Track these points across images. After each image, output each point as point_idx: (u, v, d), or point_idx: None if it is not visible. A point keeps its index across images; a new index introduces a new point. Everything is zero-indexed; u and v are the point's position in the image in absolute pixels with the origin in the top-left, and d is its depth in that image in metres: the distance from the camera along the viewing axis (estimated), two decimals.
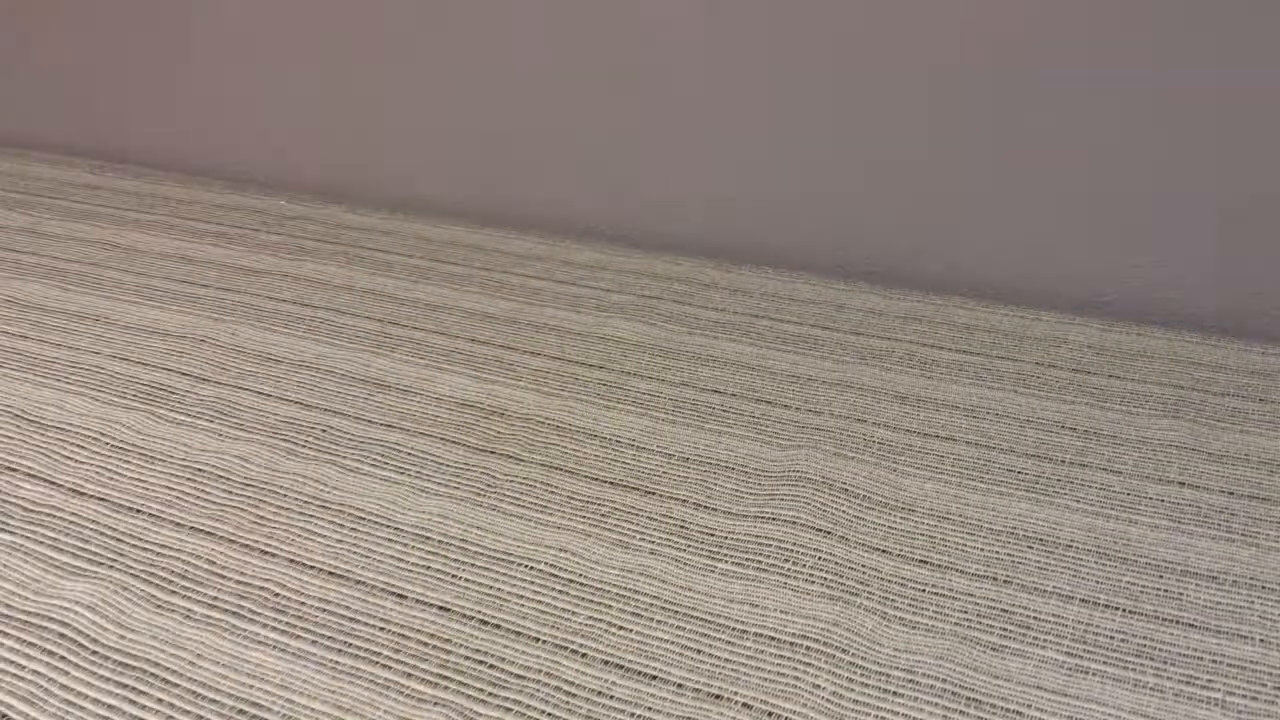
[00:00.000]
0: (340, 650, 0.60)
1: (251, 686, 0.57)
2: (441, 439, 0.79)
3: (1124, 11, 0.93)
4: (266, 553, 0.67)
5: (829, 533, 0.69)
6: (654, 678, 0.58)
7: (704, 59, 1.10)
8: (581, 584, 0.65)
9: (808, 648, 0.59)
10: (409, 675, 0.58)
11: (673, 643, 0.60)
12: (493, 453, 0.78)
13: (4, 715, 0.55)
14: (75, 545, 0.68)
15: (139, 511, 0.71)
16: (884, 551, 0.67)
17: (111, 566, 0.66)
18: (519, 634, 0.61)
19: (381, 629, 0.61)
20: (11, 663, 0.59)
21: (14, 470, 0.76)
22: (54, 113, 1.52)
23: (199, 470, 0.76)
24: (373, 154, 1.32)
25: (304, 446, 0.78)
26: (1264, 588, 0.64)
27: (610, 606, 0.63)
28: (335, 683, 0.57)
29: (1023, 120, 1.00)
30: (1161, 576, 0.65)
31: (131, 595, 0.63)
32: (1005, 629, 0.61)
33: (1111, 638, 0.60)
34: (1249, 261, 0.98)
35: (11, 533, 0.69)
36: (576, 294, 1.03)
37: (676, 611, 0.62)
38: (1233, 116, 0.94)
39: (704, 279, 1.07)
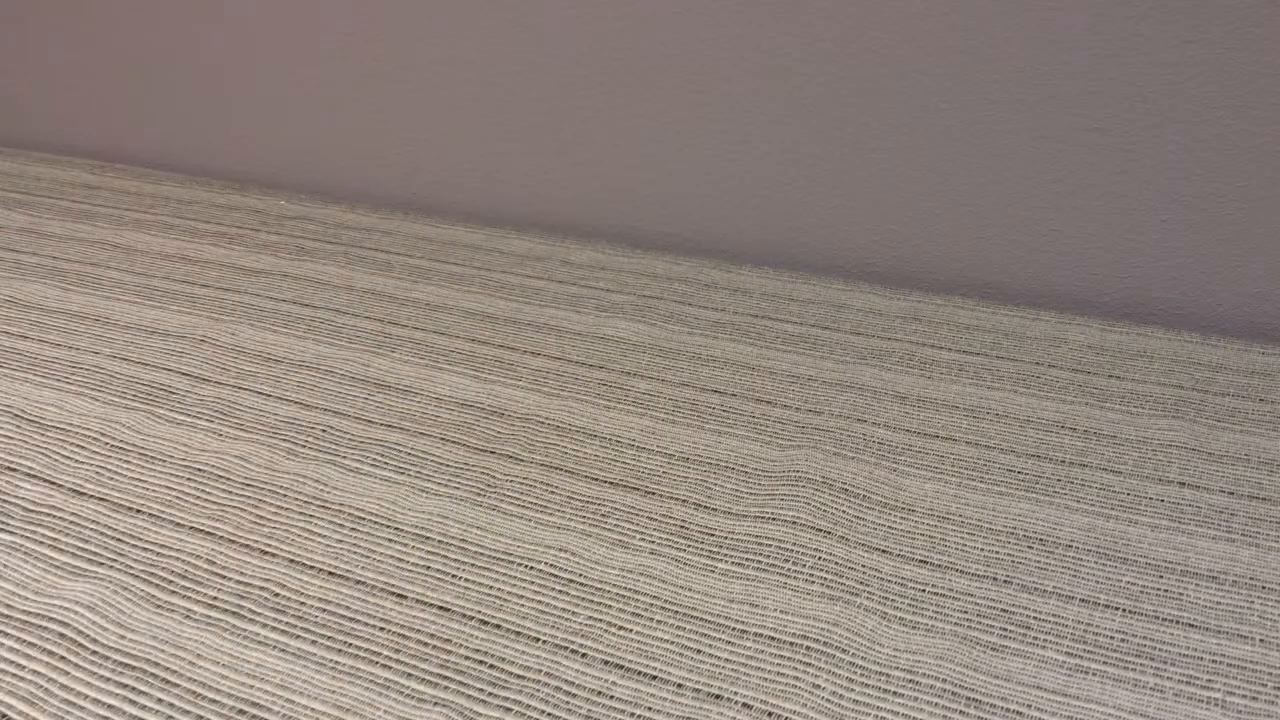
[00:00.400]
0: (340, 650, 0.60)
1: (251, 686, 0.57)
2: (441, 439, 0.79)
3: (1124, 11, 0.93)
4: (266, 553, 0.67)
5: (829, 533, 0.69)
6: (654, 678, 0.58)
7: (704, 59, 1.10)
8: (581, 584, 0.64)
9: (808, 648, 0.59)
10: (409, 675, 0.58)
11: (673, 643, 0.60)
12: (493, 453, 0.78)
13: (4, 715, 0.55)
14: (75, 545, 0.68)
15: (139, 511, 0.71)
16: (884, 551, 0.67)
17: (111, 566, 0.66)
18: (519, 634, 0.61)
19: (381, 629, 0.61)
20: (11, 663, 0.59)
21: (14, 470, 0.76)
22: (54, 113, 1.52)
23: (199, 470, 0.76)
24: (373, 154, 1.32)
25: (304, 446, 0.78)
26: (1264, 588, 0.64)
27: (610, 606, 0.63)
28: (335, 683, 0.57)
29: (1023, 120, 1.00)
30: (1161, 576, 0.65)
31: (131, 595, 0.63)
32: (1005, 629, 0.61)
33: (1111, 638, 0.60)
34: (1249, 261, 0.98)
35: (11, 533, 0.69)
36: (576, 294, 1.03)
37: (676, 611, 0.62)
38: (1233, 116, 0.94)
39: (704, 279, 1.07)
